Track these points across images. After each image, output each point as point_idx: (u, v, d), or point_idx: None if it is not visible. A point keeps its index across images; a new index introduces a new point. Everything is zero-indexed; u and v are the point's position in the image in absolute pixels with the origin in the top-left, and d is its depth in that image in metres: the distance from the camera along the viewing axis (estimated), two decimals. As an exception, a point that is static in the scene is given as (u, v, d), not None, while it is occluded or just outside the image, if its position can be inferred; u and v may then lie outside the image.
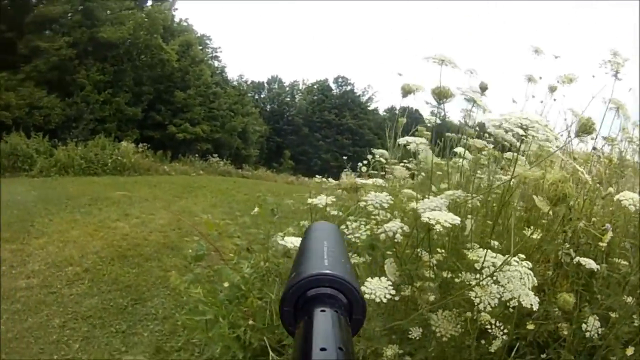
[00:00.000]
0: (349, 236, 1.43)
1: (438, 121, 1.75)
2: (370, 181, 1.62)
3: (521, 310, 1.20)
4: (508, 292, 1.02)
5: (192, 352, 2.93)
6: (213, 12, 61.76)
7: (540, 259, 1.50)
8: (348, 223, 1.48)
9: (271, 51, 66.30)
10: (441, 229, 1.02)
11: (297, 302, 0.42)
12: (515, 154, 1.57)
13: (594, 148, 1.73)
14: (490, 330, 1.22)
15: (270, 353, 1.55)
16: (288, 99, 39.93)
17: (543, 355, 1.45)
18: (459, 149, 1.70)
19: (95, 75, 18.10)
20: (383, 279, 1.05)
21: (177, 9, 23.27)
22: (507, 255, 1.03)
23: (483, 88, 1.66)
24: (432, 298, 1.29)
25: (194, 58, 22.54)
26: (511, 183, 1.16)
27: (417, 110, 2.02)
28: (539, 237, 1.32)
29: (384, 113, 40.55)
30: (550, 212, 0.96)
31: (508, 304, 1.05)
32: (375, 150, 2.28)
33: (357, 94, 40.06)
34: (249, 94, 33.58)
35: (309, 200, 1.52)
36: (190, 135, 20.97)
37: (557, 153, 1.35)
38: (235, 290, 2.01)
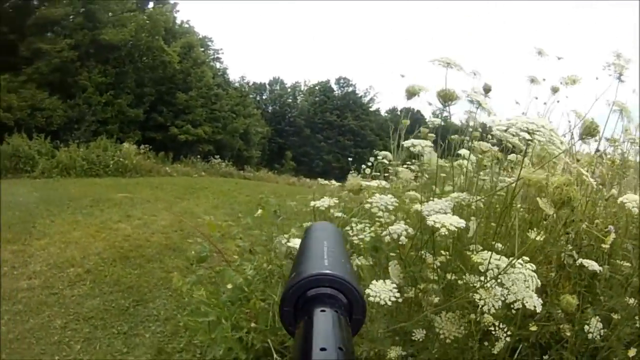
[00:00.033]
0: (353, 237, 1.43)
1: (440, 122, 1.75)
2: (374, 183, 1.62)
3: (524, 312, 1.20)
4: (512, 294, 1.02)
5: (194, 354, 2.93)
6: (215, 13, 61.97)
7: (542, 261, 1.50)
8: (353, 225, 1.48)
9: (273, 52, 66.57)
10: (446, 232, 1.02)
11: (297, 302, 0.42)
12: (519, 156, 1.58)
13: (597, 150, 1.73)
14: (493, 332, 1.22)
15: (274, 355, 1.55)
16: (290, 100, 39.98)
17: (545, 357, 1.45)
18: (463, 151, 1.70)
19: (97, 77, 18.15)
20: (388, 281, 1.05)
21: (178, 11, 23.36)
22: (511, 258, 1.03)
23: (487, 90, 1.66)
24: (436, 300, 1.29)
25: (196, 60, 22.58)
26: (515, 185, 1.16)
27: (419, 111, 2.02)
28: (542, 239, 1.32)
29: (386, 114, 40.62)
30: (554, 214, 0.96)
31: (512, 306, 1.05)
32: (378, 152, 2.28)
33: (359, 95, 40.14)
34: (251, 96, 33.66)
35: (312, 203, 1.52)
36: (192, 137, 21.00)
37: (561, 155, 1.35)
38: (238, 292, 2.00)
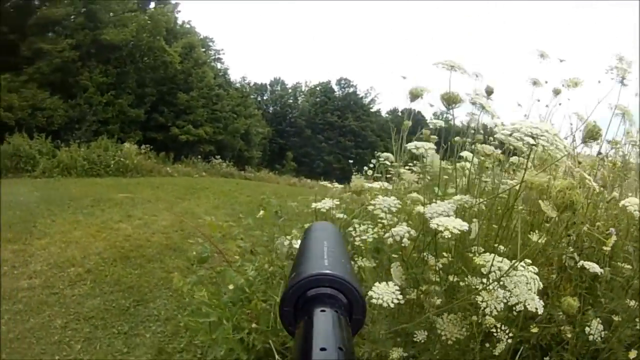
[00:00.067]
0: (356, 238, 1.43)
1: (443, 124, 1.75)
2: (377, 184, 1.62)
3: (525, 314, 1.20)
4: (514, 296, 1.02)
5: (194, 354, 2.93)
6: (216, 14, 62.00)
7: (543, 263, 1.50)
8: (355, 226, 1.48)
9: (274, 53, 66.63)
10: (450, 236, 1.02)
11: (297, 302, 0.42)
12: (521, 158, 1.58)
13: (599, 153, 1.73)
14: (495, 334, 1.23)
15: (276, 356, 1.55)
16: (291, 101, 40.02)
17: (546, 358, 1.45)
18: (465, 153, 1.70)
19: (98, 77, 18.17)
20: (390, 283, 1.05)
21: (180, 11, 23.36)
22: (513, 260, 1.03)
23: (489, 92, 1.66)
24: (438, 302, 1.29)
25: (197, 60, 22.59)
26: (517, 188, 1.16)
27: (419, 112, 2.03)
28: (543, 241, 1.32)
29: (387, 115, 40.66)
30: (556, 217, 0.96)
31: (514, 308, 1.05)
32: (380, 154, 2.28)
33: (360, 96, 40.15)
34: (252, 96, 33.66)
35: (313, 205, 1.52)
36: (192, 137, 21.01)
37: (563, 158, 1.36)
38: (239, 293, 2.00)
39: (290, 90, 40.40)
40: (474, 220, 1.26)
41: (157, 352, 3.12)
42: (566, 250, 1.47)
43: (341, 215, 1.75)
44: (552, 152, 0.82)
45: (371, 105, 40.52)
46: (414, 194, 1.60)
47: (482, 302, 1.06)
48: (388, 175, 2.30)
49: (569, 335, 1.40)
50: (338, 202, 1.66)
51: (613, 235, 1.39)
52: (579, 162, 1.57)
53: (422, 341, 1.28)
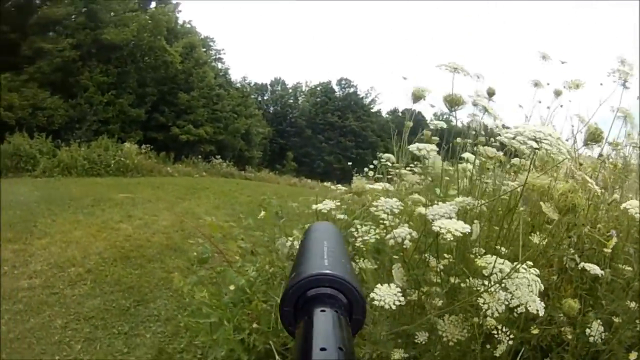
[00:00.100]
0: (358, 239, 1.43)
1: (444, 125, 1.75)
2: (379, 186, 1.62)
3: (526, 315, 1.20)
4: (516, 298, 1.02)
5: (194, 354, 2.92)
6: (217, 14, 62.01)
7: (544, 264, 1.50)
8: (358, 227, 1.48)
9: (274, 53, 66.62)
10: (452, 239, 1.02)
11: (297, 302, 0.42)
12: (522, 159, 1.58)
13: (600, 155, 1.73)
14: (496, 335, 1.23)
15: (276, 357, 1.55)
16: (291, 101, 40.02)
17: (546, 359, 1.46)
18: (467, 155, 1.70)
19: (99, 76, 18.16)
20: (392, 285, 1.05)
21: (180, 11, 23.36)
22: (515, 263, 1.03)
23: (490, 93, 1.66)
24: (439, 303, 1.29)
25: (198, 60, 22.59)
26: (519, 190, 1.16)
27: (420, 112, 2.03)
28: (544, 242, 1.32)
29: (387, 115, 40.67)
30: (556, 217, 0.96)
31: (515, 310, 1.05)
32: (382, 155, 2.28)
33: (360, 96, 40.15)
34: (252, 96, 33.63)
35: (314, 206, 1.52)
36: (193, 137, 21.01)
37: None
38: (240, 294, 2.01)
39: (290, 90, 40.41)
40: (475, 221, 1.26)
41: (157, 352, 3.11)
42: (567, 252, 1.47)
43: (342, 216, 1.75)
44: (554, 156, 0.82)
45: (372, 106, 40.55)
46: (416, 195, 1.60)
47: (483, 304, 1.06)
48: (389, 176, 2.30)
49: (570, 337, 1.40)
50: (339, 203, 1.66)
51: (614, 237, 1.39)
52: (580, 164, 1.57)
53: (423, 342, 1.28)
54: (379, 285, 1.04)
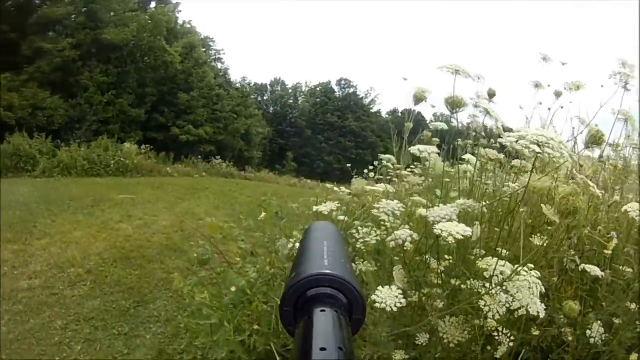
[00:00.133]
0: (358, 241, 1.43)
1: (444, 127, 1.75)
2: (380, 187, 1.62)
3: (527, 316, 1.20)
4: (517, 301, 1.03)
5: (194, 355, 2.92)
6: (216, 14, 62.00)
7: (545, 265, 1.50)
8: (358, 228, 1.48)
9: (274, 53, 66.65)
10: (453, 241, 1.02)
11: (297, 302, 0.42)
12: (523, 161, 1.58)
13: (601, 157, 1.73)
14: (496, 337, 1.23)
15: (277, 358, 1.55)
16: (291, 101, 40.04)
17: (547, 361, 1.46)
18: (468, 156, 1.70)
19: (99, 76, 18.17)
20: (393, 287, 1.05)
21: (180, 11, 23.38)
22: (516, 265, 1.03)
23: (491, 95, 1.66)
24: (440, 305, 1.29)
25: (198, 60, 22.60)
26: (520, 192, 1.16)
27: (420, 113, 2.03)
28: (545, 244, 1.32)
29: (387, 115, 40.68)
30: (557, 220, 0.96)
31: (516, 312, 1.05)
32: (382, 156, 2.28)
33: (360, 97, 40.17)
34: (252, 96, 33.67)
35: (314, 208, 1.52)
36: (193, 137, 21.02)
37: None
38: (241, 295, 2.00)
39: (290, 91, 40.43)
40: (476, 223, 1.26)
41: (157, 353, 3.11)
42: (567, 253, 1.47)
43: (342, 218, 1.75)
44: (556, 160, 0.82)
45: (371, 106, 40.57)
46: (417, 197, 1.60)
47: (484, 306, 1.06)
48: (388, 177, 2.31)
49: (570, 338, 1.41)
50: (339, 205, 1.66)
51: (614, 239, 1.39)
52: (581, 166, 1.57)
53: (424, 344, 1.29)
54: (380, 287, 1.04)
